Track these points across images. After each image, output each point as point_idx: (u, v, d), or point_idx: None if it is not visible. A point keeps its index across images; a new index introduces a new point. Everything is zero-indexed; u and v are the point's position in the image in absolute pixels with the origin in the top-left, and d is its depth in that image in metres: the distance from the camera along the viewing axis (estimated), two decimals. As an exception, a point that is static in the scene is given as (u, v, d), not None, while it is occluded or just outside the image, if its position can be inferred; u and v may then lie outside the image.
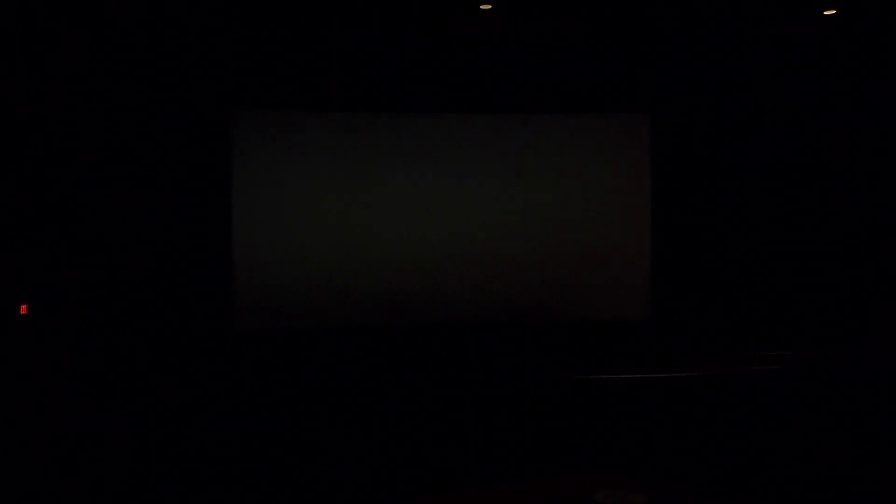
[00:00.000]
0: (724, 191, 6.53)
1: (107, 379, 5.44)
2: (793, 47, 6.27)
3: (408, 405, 5.21)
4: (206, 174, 6.08)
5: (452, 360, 6.16)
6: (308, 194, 6.26)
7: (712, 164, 6.54)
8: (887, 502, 4.17)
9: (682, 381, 5.40)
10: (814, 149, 6.46)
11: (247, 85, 6.11)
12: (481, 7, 5.69)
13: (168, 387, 5.53)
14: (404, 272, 6.34)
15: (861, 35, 6.09)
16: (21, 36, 4.97)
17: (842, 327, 6.16)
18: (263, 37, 5.92)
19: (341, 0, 5.60)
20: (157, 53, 5.85)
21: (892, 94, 6.06)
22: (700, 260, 6.48)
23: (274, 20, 5.77)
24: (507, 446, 4.82)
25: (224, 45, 5.92)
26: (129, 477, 4.48)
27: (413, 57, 6.19)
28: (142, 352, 5.73)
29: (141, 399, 5.40)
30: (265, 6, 5.63)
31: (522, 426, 5.00)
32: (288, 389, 5.49)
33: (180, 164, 5.98)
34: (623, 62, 6.36)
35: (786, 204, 6.53)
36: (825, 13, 5.84)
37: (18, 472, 4.40)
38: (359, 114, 6.34)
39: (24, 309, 4.93)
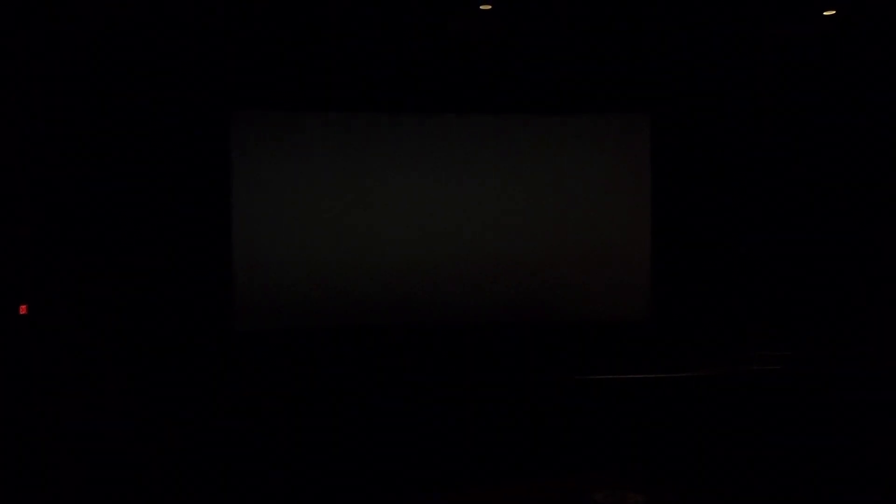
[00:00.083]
0: (724, 191, 6.53)
1: (107, 379, 5.44)
2: (792, 47, 6.27)
3: (408, 405, 5.21)
4: (205, 174, 6.07)
5: (452, 360, 6.16)
6: (308, 194, 6.26)
7: (712, 164, 6.54)
8: (887, 502, 4.17)
9: (682, 381, 5.40)
10: (814, 149, 6.46)
11: (246, 84, 6.11)
12: (481, 7, 5.70)
13: (168, 387, 5.53)
14: (404, 272, 6.34)
15: (861, 35, 6.09)
16: (21, 35, 4.96)
17: (842, 327, 6.16)
18: (263, 37, 5.92)
19: (341, 0, 5.61)
20: (156, 53, 5.85)
21: (892, 94, 6.07)
22: (700, 260, 6.48)
23: (274, 20, 5.77)
24: (507, 446, 4.83)
25: (224, 44, 5.92)
26: (130, 477, 4.48)
27: (413, 57, 6.19)
28: (142, 352, 5.73)
29: (141, 399, 5.40)
30: (265, 6, 5.63)
31: (522, 426, 5.00)
32: (288, 389, 5.49)
33: (180, 164, 5.98)
34: (623, 62, 6.36)
35: (786, 204, 6.53)
36: (825, 13, 5.84)
37: (18, 471, 4.40)
38: (359, 114, 6.34)
39: (23, 309, 4.93)
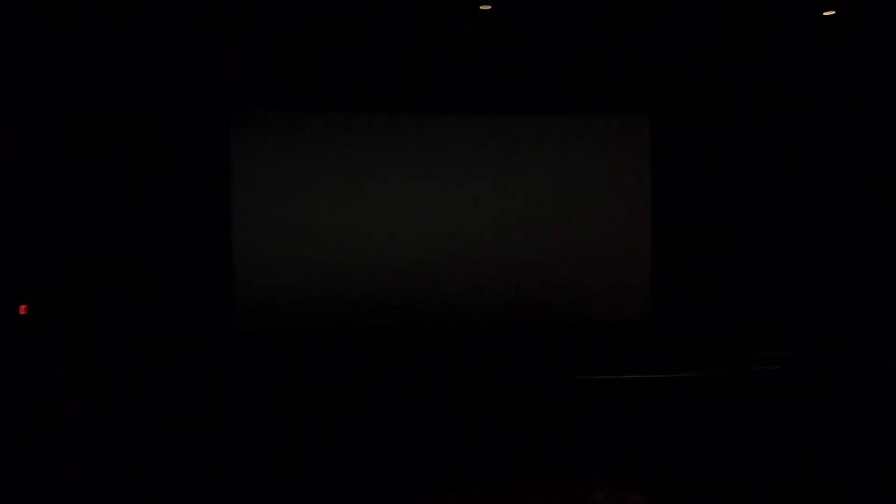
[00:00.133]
0: (723, 191, 6.53)
1: (107, 379, 5.44)
2: (792, 47, 6.27)
3: (408, 405, 5.21)
4: (205, 174, 6.07)
5: (452, 360, 6.16)
6: (308, 194, 6.26)
7: (712, 164, 6.54)
8: (887, 502, 4.17)
9: (682, 381, 5.40)
10: (814, 149, 6.47)
11: (246, 85, 6.11)
12: (481, 7, 5.70)
13: (168, 387, 5.53)
14: (404, 272, 6.34)
15: (860, 35, 6.09)
16: (20, 35, 4.97)
17: (842, 327, 6.16)
18: (263, 37, 5.92)
19: (341, 0, 5.61)
20: (156, 53, 5.85)
21: (892, 94, 6.06)
22: (700, 260, 6.48)
23: (274, 20, 5.78)
24: (507, 446, 4.82)
25: (224, 44, 5.92)
26: (130, 477, 4.48)
27: (413, 57, 6.19)
28: (142, 352, 5.73)
29: (141, 399, 5.40)
30: (265, 6, 5.64)
31: (522, 426, 5.00)
32: (288, 389, 5.49)
33: (180, 164, 5.98)
34: (623, 62, 6.36)
35: (786, 204, 6.53)
36: (824, 14, 5.84)
37: (19, 471, 4.40)
38: (359, 114, 6.34)
39: (23, 309, 4.93)
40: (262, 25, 5.82)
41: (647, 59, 6.36)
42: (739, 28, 6.07)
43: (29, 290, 4.93)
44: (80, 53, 5.46)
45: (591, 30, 6.08)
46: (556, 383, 5.38)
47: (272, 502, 4.27)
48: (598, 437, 4.88)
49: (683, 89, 6.49)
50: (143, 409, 5.27)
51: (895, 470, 4.36)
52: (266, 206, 6.20)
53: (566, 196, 6.50)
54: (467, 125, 6.45)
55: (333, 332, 6.23)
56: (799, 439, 4.83)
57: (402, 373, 5.76)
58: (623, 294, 6.51)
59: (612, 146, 6.56)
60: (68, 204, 5.40)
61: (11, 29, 4.89)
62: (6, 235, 4.81)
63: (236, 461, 4.66)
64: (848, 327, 6.12)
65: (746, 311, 6.44)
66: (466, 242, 6.40)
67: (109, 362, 5.51)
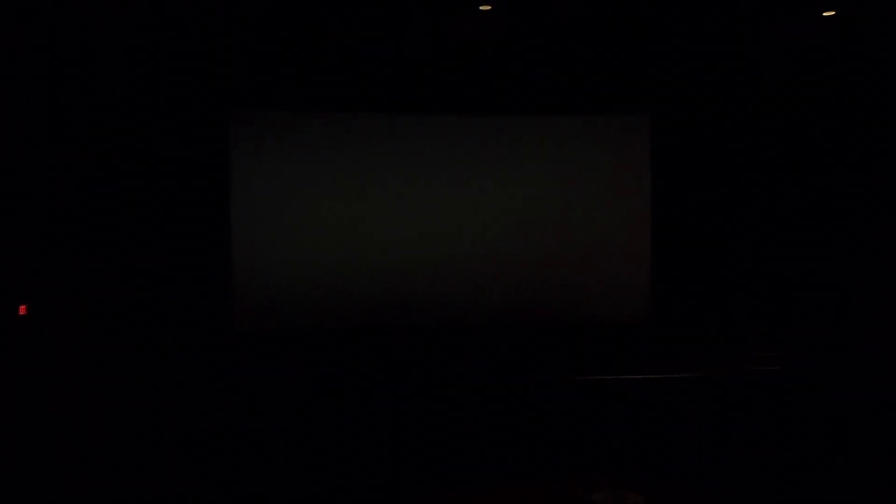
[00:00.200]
0: (724, 191, 6.54)
1: (106, 379, 5.44)
2: (792, 48, 6.27)
3: (408, 405, 5.21)
4: (205, 174, 6.07)
5: (452, 360, 6.16)
6: (307, 194, 6.26)
7: (712, 164, 6.54)
8: (887, 502, 4.17)
9: (682, 381, 5.40)
10: (814, 149, 6.47)
11: (246, 84, 6.11)
12: (481, 8, 5.69)
13: (168, 387, 5.53)
14: (404, 272, 6.33)
15: (860, 35, 6.09)
16: (20, 35, 4.96)
17: (842, 327, 6.16)
18: (263, 36, 5.91)
19: (341, 0, 5.61)
20: (156, 53, 5.84)
21: (892, 94, 6.06)
22: (700, 260, 6.48)
23: (274, 20, 5.77)
24: (507, 446, 4.83)
25: (223, 44, 5.92)
26: (130, 476, 4.48)
27: (413, 57, 6.19)
28: (141, 352, 5.73)
29: (140, 399, 5.40)
30: (265, 6, 5.63)
31: (522, 426, 5.00)
32: (287, 390, 5.49)
33: (180, 164, 5.98)
34: (623, 62, 6.36)
35: (786, 204, 6.53)
36: (824, 14, 5.84)
37: (19, 471, 4.40)
38: (359, 114, 6.34)
39: (23, 309, 4.92)
40: (262, 25, 5.81)
41: (647, 59, 6.36)
42: (739, 28, 6.07)
43: (29, 290, 4.93)
44: (79, 53, 5.46)
45: (591, 30, 6.08)
46: (556, 383, 5.38)
47: (272, 502, 4.27)
48: (598, 437, 4.88)
49: (683, 89, 6.49)
50: (142, 409, 5.27)
51: (895, 470, 4.36)
52: (266, 206, 6.20)
53: (566, 196, 6.49)
54: (467, 125, 6.45)
55: (333, 333, 6.23)
56: (799, 439, 4.83)
57: (402, 373, 5.76)
58: (623, 294, 6.51)
59: (612, 146, 6.56)
60: (68, 204, 5.39)
61: (11, 29, 4.88)
62: (6, 235, 4.81)
63: (236, 461, 4.66)
64: (848, 327, 6.12)
65: (746, 311, 6.44)
66: (466, 242, 6.40)
67: (109, 362, 5.50)
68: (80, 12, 5.30)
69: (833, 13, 5.81)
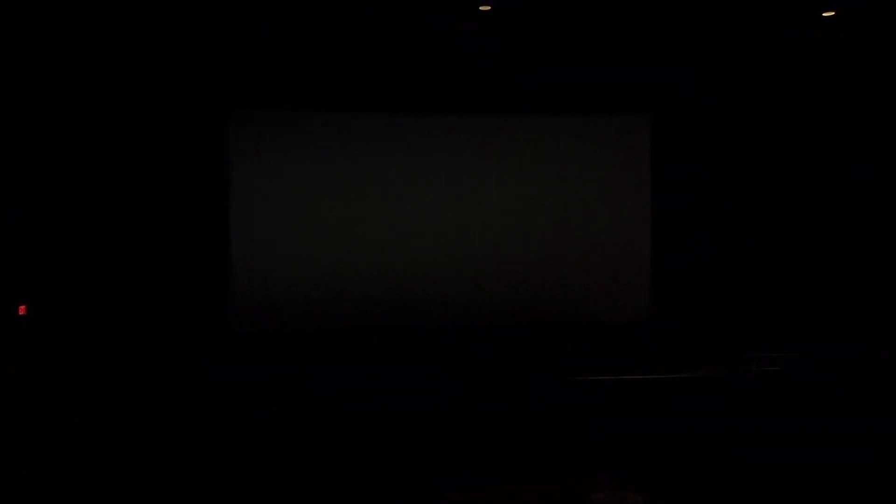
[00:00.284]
0: (723, 190, 6.54)
1: (105, 380, 5.44)
2: (792, 48, 6.27)
3: (408, 406, 5.21)
4: (204, 174, 6.07)
5: (452, 360, 6.16)
6: (307, 194, 6.26)
7: (712, 164, 6.54)
8: (887, 502, 4.17)
9: (682, 381, 5.40)
10: (814, 149, 6.47)
11: (246, 84, 6.11)
12: (480, 8, 5.69)
13: (166, 387, 5.52)
14: (403, 272, 6.33)
15: (860, 36, 6.09)
16: (19, 36, 4.96)
17: (842, 327, 6.16)
18: (263, 36, 5.91)
19: (341, 0, 5.60)
20: (155, 53, 5.84)
21: (892, 94, 6.07)
22: (700, 260, 6.48)
23: (273, 20, 5.77)
24: (507, 447, 4.83)
25: (223, 44, 5.92)
26: (129, 476, 4.48)
27: (413, 57, 6.19)
28: (140, 352, 5.72)
29: (140, 399, 5.40)
30: (264, 6, 5.63)
31: (522, 426, 5.00)
32: (287, 390, 5.49)
33: (179, 164, 5.98)
34: (623, 62, 6.36)
35: (786, 204, 6.53)
36: (823, 14, 5.84)
37: (18, 470, 4.39)
38: (359, 114, 6.34)
39: (22, 310, 4.92)
40: (261, 25, 5.81)
41: (647, 59, 6.36)
42: (739, 28, 6.07)
43: (29, 290, 4.93)
44: (79, 54, 5.46)
45: (591, 30, 6.07)
46: (556, 383, 5.38)
47: (272, 502, 4.27)
48: (598, 437, 4.88)
49: (683, 89, 6.49)
50: (142, 409, 5.27)
51: (894, 470, 4.36)
52: (266, 206, 6.20)
53: (566, 196, 6.49)
54: (467, 125, 6.45)
55: (333, 333, 6.23)
56: (798, 439, 4.83)
57: (402, 373, 5.76)
58: (623, 294, 6.51)
59: (612, 146, 6.56)
60: (68, 204, 5.39)
61: (10, 29, 4.88)
62: (6, 235, 4.81)
63: (236, 461, 4.65)
64: (848, 327, 6.12)
65: (746, 311, 6.44)
66: (466, 242, 6.40)
67: (109, 362, 5.50)
68: (79, 12, 5.30)
69: (833, 14, 5.81)
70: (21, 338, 4.77)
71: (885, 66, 6.08)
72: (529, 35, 6.14)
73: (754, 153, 6.57)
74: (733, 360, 5.83)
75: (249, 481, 4.42)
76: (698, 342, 6.26)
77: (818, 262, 6.42)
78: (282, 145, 6.24)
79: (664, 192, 6.53)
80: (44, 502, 4.23)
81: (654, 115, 6.56)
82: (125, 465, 4.61)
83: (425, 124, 6.43)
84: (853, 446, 4.66)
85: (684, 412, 5.15)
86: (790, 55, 6.31)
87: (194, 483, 4.37)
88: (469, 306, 6.37)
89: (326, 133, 6.31)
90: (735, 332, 6.34)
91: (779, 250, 6.50)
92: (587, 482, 3.88)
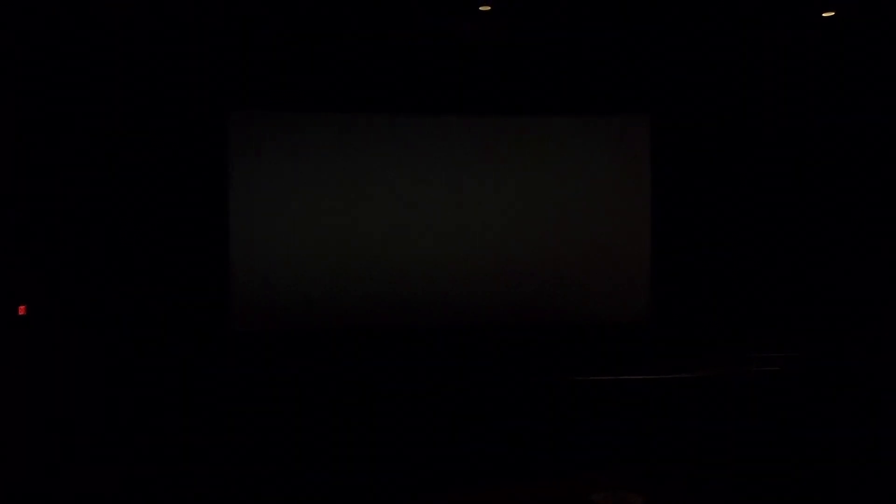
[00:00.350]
0: (723, 191, 6.54)
1: (105, 380, 5.44)
2: (792, 48, 6.28)
3: (407, 406, 5.21)
4: (203, 174, 6.07)
5: (452, 360, 6.15)
6: (307, 194, 6.26)
7: (712, 164, 6.54)
8: (887, 502, 4.17)
9: (682, 382, 5.40)
10: (813, 149, 6.47)
11: (245, 85, 6.11)
12: (480, 8, 5.69)
13: (166, 387, 5.52)
14: (403, 273, 6.33)
15: (859, 36, 6.09)
16: (18, 36, 4.96)
17: (842, 328, 6.16)
18: (262, 37, 5.91)
19: (340, 0, 5.60)
20: (154, 53, 5.84)
21: (892, 95, 6.07)
22: (700, 260, 6.48)
23: (273, 20, 5.77)
24: (506, 446, 4.82)
25: (223, 44, 5.92)
26: (129, 476, 4.48)
27: (413, 57, 6.19)
28: (140, 352, 5.72)
29: (139, 399, 5.40)
30: (264, 6, 5.63)
31: (522, 426, 5.00)
32: (286, 390, 5.49)
33: (178, 165, 5.98)
34: (623, 62, 6.36)
35: (785, 204, 6.53)
36: (823, 15, 5.85)
37: (18, 470, 4.39)
38: (359, 114, 6.34)
39: (22, 310, 4.92)
40: (261, 26, 5.81)
41: (647, 59, 6.36)
42: (739, 28, 6.07)
43: (29, 290, 4.92)
44: (78, 54, 5.45)
45: (591, 30, 6.08)
46: (556, 383, 5.38)
47: (272, 502, 4.26)
48: (598, 437, 4.88)
49: (683, 89, 6.49)
50: (142, 409, 5.27)
51: (895, 470, 4.36)
52: (265, 206, 6.20)
53: (566, 196, 6.49)
54: (467, 125, 6.45)
55: (333, 333, 6.23)
56: (799, 439, 4.83)
57: (402, 373, 5.76)
58: (623, 294, 6.51)
59: (612, 146, 6.56)
60: (67, 204, 5.39)
61: (9, 29, 4.88)
62: (6, 235, 4.80)
63: (236, 461, 4.65)
64: (848, 328, 6.12)
65: (746, 311, 6.44)
66: (466, 242, 6.40)
67: (109, 362, 5.50)
68: (79, 13, 5.30)
69: (832, 14, 5.81)
70: (21, 338, 4.77)
71: (885, 66, 6.08)
72: (529, 35, 6.14)
73: (754, 153, 6.57)
74: (733, 360, 5.83)
75: (249, 481, 4.42)
76: (698, 342, 6.26)
77: (818, 263, 6.42)
78: (281, 145, 6.24)
79: (664, 192, 6.53)
80: (44, 502, 4.23)
81: (654, 115, 6.56)
82: (125, 464, 4.61)
83: (425, 124, 6.43)
84: (853, 446, 4.66)
85: (684, 412, 5.14)
86: (790, 55, 6.31)
87: (194, 483, 4.37)
88: (469, 306, 6.37)
89: (326, 133, 6.31)
90: (735, 332, 6.34)
91: (779, 250, 6.50)
92: (587, 482, 3.88)
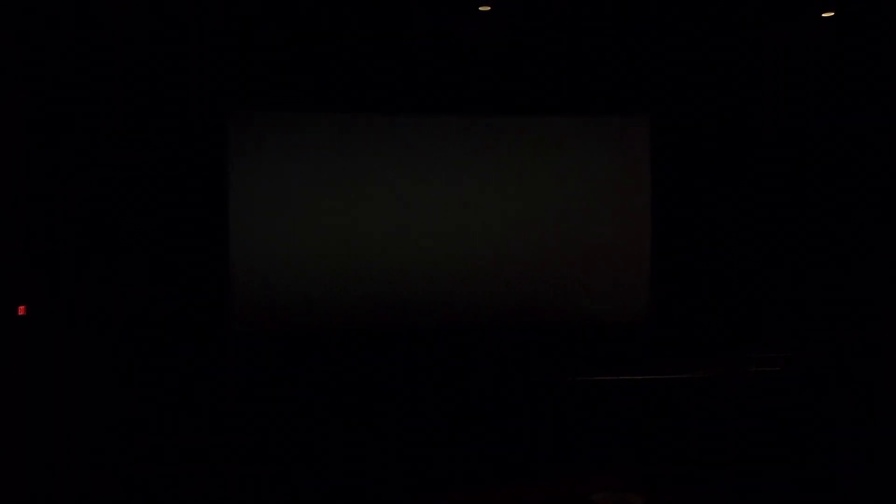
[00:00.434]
0: (723, 191, 6.54)
1: (105, 380, 5.43)
2: (792, 48, 6.28)
3: (407, 406, 5.21)
4: (203, 174, 6.07)
5: (452, 361, 6.15)
6: (307, 194, 6.26)
7: (712, 164, 6.54)
8: (887, 502, 4.17)
9: (682, 382, 5.40)
10: (813, 149, 6.47)
11: (245, 84, 6.11)
12: (480, 9, 5.70)
13: (166, 387, 5.52)
14: (403, 273, 6.33)
15: (859, 36, 6.09)
16: (18, 36, 4.96)
17: (842, 328, 6.16)
18: (262, 37, 5.91)
19: (340, 0, 5.60)
20: (154, 53, 5.84)
21: (892, 95, 6.07)
22: (700, 260, 6.48)
23: (273, 20, 5.77)
24: (506, 446, 4.82)
25: (222, 44, 5.92)
26: (129, 476, 4.48)
27: (413, 57, 6.19)
28: (140, 352, 5.72)
29: (139, 399, 5.39)
30: (264, 6, 5.63)
31: (522, 426, 5.00)
32: (286, 390, 5.48)
33: (178, 165, 5.98)
34: (623, 62, 6.36)
35: (785, 204, 6.53)
36: (823, 15, 5.85)
37: (18, 471, 4.39)
38: (358, 114, 6.33)
39: (22, 310, 4.92)
40: (261, 25, 5.81)
41: (647, 59, 6.36)
42: (739, 28, 6.07)
43: (29, 290, 4.92)
44: (78, 54, 5.45)
45: (591, 30, 6.08)
46: (556, 383, 5.38)
47: (272, 502, 4.26)
48: (598, 437, 4.88)
49: (683, 89, 6.49)
50: (141, 409, 5.26)
51: (894, 470, 4.36)
52: (265, 207, 6.20)
53: (566, 196, 6.49)
54: (467, 125, 6.45)
55: (333, 333, 6.23)
56: (798, 440, 4.83)
57: (402, 373, 5.76)
58: (623, 294, 6.51)
59: (612, 146, 6.56)
60: (67, 204, 5.39)
61: (9, 29, 4.88)
62: (6, 236, 4.80)
63: (235, 461, 4.65)
64: (848, 327, 6.12)
65: (747, 311, 6.44)
66: (466, 243, 6.40)
67: (108, 362, 5.50)
68: (79, 13, 5.30)
69: (832, 14, 5.82)
70: (21, 338, 4.77)
71: (885, 66, 6.08)
72: (529, 35, 6.14)
73: (754, 153, 6.57)
74: (733, 360, 5.83)
75: (249, 481, 4.42)
76: (698, 342, 6.26)
77: (818, 263, 6.42)
78: (281, 145, 6.24)
79: (664, 192, 6.53)
80: (44, 502, 4.23)
81: (654, 115, 6.56)
82: (125, 465, 4.61)
83: (425, 124, 6.42)
84: (853, 446, 4.66)
85: (684, 412, 5.14)
86: (790, 55, 6.31)
87: (194, 483, 4.37)
88: (469, 306, 6.37)
89: (326, 133, 6.31)
90: (735, 332, 6.34)
91: (779, 250, 6.50)
92: (587, 482, 3.88)
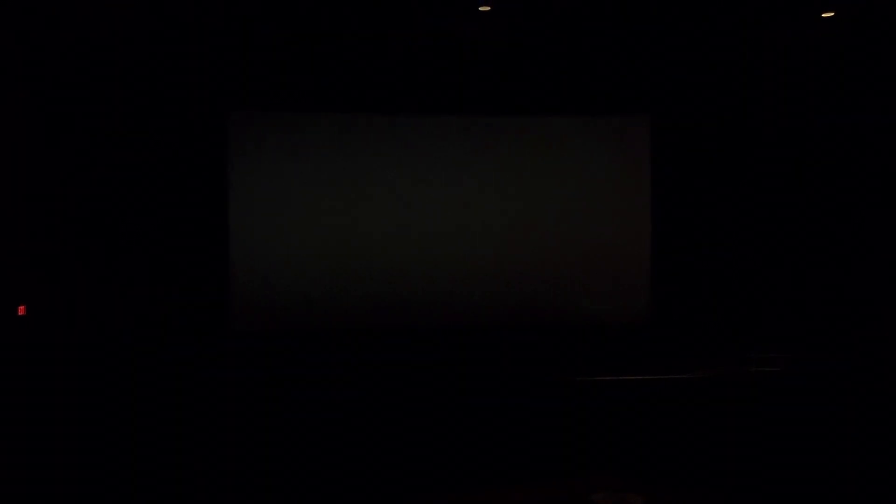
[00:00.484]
0: (723, 191, 6.54)
1: (105, 380, 5.44)
2: (792, 48, 6.28)
3: (407, 406, 5.21)
4: (203, 174, 6.07)
5: (452, 361, 6.15)
6: (306, 195, 6.26)
7: (712, 164, 6.54)
8: (887, 502, 4.17)
9: (682, 382, 5.40)
10: (814, 149, 6.47)
11: (245, 84, 6.11)
12: (480, 9, 5.69)
13: (166, 387, 5.52)
14: (403, 273, 6.33)
15: (859, 36, 6.09)
16: (17, 36, 4.96)
17: (842, 328, 6.16)
18: (262, 36, 5.91)
19: (340, 0, 5.60)
20: (154, 53, 5.85)
21: (892, 95, 6.07)
22: (700, 260, 6.48)
23: (273, 20, 5.77)
24: (507, 447, 4.82)
25: (222, 44, 5.92)
26: (129, 477, 4.48)
27: (413, 57, 6.19)
28: (140, 352, 5.72)
29: (139, 399, 5.39)
30: (264, 6, 5.63)
31: (522, 427, 5.00)
32: (286, 390, 5.48)
33: (177, 165, 5.98)
34: (623, 62, 6.36)
35: (786, 204, 6.53)
36: (823, 15, 5.85)
37: (18, 471, 4.39)
38: (358, 114, 6.33)
39: (22, 310, 4.92)
40: (261, 25, 5.81)
41: (647, 59, 6.36)
42: (739, 28, 6.07)
43: (28, 290, 4.93)
44: (78, 54, 5.46)
45: (591, 30, 6.08)
46: (556, 383, 5.38)
47: (271, 503, 4.27)
48: (598, 437, 4.88)
49: (683, 89, 6.49)
50: (141, 410, 5.26)
51: (894, 470, 4.36)
52: (265, 206, 6.20)
53: (566, 196, 6.49)
54: (467, 125, 6.45)
55: (333, 333, 6.23)
56: (798, 440, 4.83)
57: (402, 374, 5.76)
58: (623, 294, 6.51)
59: (612, 146, 6.56)
60: (67, 204, 5.39)
61: (9, 29, 4.89)
62: (6, 235, 4.81)
63: (235, 462, 4.65)
64: (848, 328, 6.12)
65: (747, 311, 6.43)
66: (466, 243, 6.40)
67: (108, 362, 5.50)
68: (78, 13, 5.30)
69: (832, 14, 5.81)
70: (21, 338, 4.78)
71: (886, 66, 6.08)
72: (529, 35, 6.14)
73: (754, 153, 6.57)
74: (733, 360, 5.83)
75: (249, 481, 4.42)
76: (698, 342, 6.26)
77: (818, 263, 6.42)
78: (281, 145, 6.24)
79: (664, 192, 6.53)
80: (44, 502, 4.23)
81: (654, 115, 6.56)
82: (125, 465, 4.61)
83: (425, 124, 6.42)
84: (853, 447, 4.66)
85: (684, 412, 5.14)
86: (790, 55, 6.31)
87: (193, 483, 4.37)
88: (469, 306, 6.37)
89: (326, 133, 6.31)
90: (735, 332, 6.34)
91: (779, 250, 6.50)
92: (587, 482, 3.87)
